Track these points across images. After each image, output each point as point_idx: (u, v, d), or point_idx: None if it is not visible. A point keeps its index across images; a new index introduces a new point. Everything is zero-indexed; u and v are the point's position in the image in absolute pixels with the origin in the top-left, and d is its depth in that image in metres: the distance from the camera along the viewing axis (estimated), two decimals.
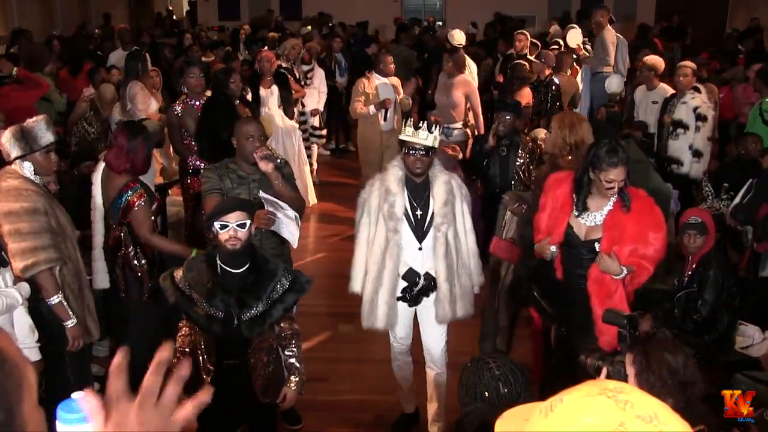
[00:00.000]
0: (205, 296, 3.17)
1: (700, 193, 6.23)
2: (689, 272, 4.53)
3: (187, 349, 3.29)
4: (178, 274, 3.27)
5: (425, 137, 3.78)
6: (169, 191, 6.71)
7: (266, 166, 3.90)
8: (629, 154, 3.63)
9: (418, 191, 3.93)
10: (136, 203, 4.07)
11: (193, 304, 3.20)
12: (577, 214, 3.65)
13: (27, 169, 3.65)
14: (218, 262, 3.21)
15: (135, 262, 4.21)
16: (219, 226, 3.14)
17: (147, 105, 6.73)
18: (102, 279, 4.42)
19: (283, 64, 8.33)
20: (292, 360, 3.36)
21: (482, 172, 5.46)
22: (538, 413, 1.10)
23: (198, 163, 5.70)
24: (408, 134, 3.81)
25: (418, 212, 3.93)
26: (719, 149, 7.84)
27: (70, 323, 3.72)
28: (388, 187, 3.89)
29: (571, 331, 3.78)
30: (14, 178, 3.58)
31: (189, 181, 5.80)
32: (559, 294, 3.73)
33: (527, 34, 9.27)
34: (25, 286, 3.55)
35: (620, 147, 3.55)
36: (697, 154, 6.40)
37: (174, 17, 19.61)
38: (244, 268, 3.21)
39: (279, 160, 4.06)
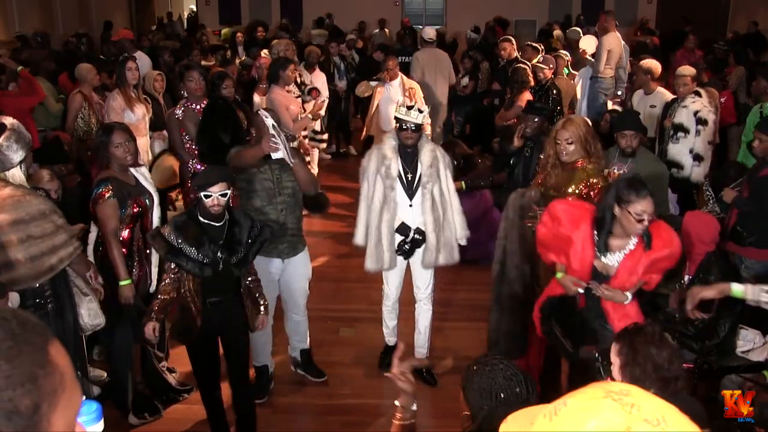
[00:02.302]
0: (195, 246, 3.72)
1: (701, 196, 6.23)
2: (690, 276, 4.53)
3: (168, 297, 3.84)
4: (165, 230, 3.80)
5: (416, 117, 4.60)
6: (177, 197, 6.69)
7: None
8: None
9: (409, 158, 4.73)
10: (102, 198, 4.09)
11: (183, 255, 3.73)
12: (599, 255, 3.57)
13: (19, 172, 3.63)
14: (200, 218, 3.78)
15: (110, 263, 4.22)
16: (204, 195, 3.71)
17: (120, 117, 6.46)
18: None
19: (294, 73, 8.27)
20: (258, 295, 4.12)
21: (508, 172, 5.73)
22: (542, 417, 1.08)
23: (198, 166, 5.70)
24: (402, 114, 4.61)
25: (409, 175, 4.73)
26: (719, 153, 7.84)
27: (100, 283, 4.08)
28: (384, 154, 4.71)
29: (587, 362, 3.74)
30: (2, 187, 3.52)
31: (190, 184, 5.79)
32: (580, 332, 3.70)
33: (512, 40, 9.26)
34: (15, 296, 3.53)
35: (641, 179, 3.43)
36: (697, 158, 6.40)
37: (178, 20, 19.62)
38: (223, 221, 3.83)
39: (291, 139, 4.61)
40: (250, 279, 4.09)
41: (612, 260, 3.58)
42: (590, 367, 3.35)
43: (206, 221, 3.79)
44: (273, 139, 4.37)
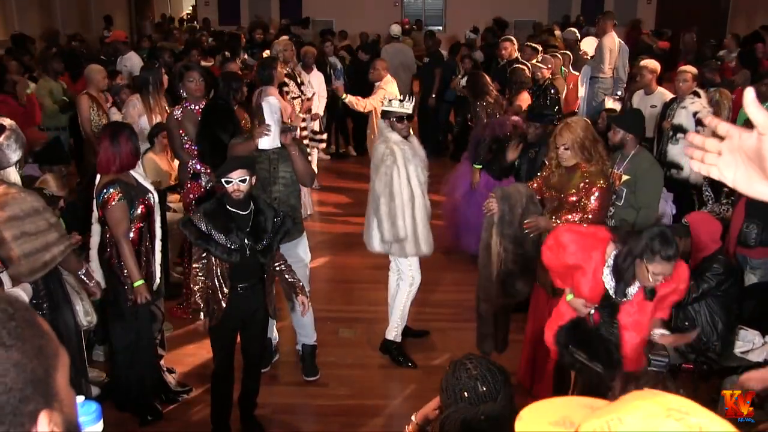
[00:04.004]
0: (223, 233, 3.93)
1: (701, 197, 6.23)
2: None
3: (204, 286, 4.02)
4: (196, 218, 3.99)
5: (408, 108, 4.98)
6: (175, 196, 6.68)
7: (285, 138, 4.66)
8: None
9: None
10: (112, 200, 4.10)
11: (213, 241, 3.93)
12: (613, 296, 3.49)
13: (14, 171, 3.67)
14: (227, 207, 3.99)
15: (117, 265, 4.23)
16: (224, 181, 3.94)
17: (135, 124, 6.31)
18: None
19: (284, 70, 8.27)
20: (292, 277, 4.31)
21: (513, 174, 6.00)
22: None
23: (198, 167, 5.69)
24: (395, 106, 4.95)
25: None
26: None
27: (92, 283, 4.09)
28: (409, 146, 4.97)
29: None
30: None
31: (189, 185, 5.78)
32: (603, 350, 3.59)
33: (513, 40, 9.31)
34: (28, 287, 3.57)
35: (674, 237, 3.31)
36: None
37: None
38: (249, 210, 4.04)
39: (293, 129, 4.84)
40: (280, 264, 4.29)
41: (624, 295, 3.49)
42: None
43: (233, 209, 4.01)
44: (267, 127, 4.66)
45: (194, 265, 4.08)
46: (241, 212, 4.02)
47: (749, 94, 1.16)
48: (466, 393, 2.43)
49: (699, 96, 6.57)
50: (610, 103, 8.33)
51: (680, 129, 6.43)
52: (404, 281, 5.20)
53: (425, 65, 11.30)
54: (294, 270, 4.39)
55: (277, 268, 4.28)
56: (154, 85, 6.50)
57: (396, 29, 11.72)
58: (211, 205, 4.07)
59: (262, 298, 4.19)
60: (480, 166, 6.74)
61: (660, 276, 3.26)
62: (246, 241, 4.00)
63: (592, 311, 3.60)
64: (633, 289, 3.45)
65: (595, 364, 3.55)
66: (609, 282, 3.46)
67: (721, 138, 1.22)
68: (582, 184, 4.41)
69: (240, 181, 3.94)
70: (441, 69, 10.94)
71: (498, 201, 4.54)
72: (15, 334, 0.99)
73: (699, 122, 6.36)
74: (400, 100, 5.03)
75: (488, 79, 7.62)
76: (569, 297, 3.66)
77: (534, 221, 4.47)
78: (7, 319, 0.99)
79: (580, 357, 3.57)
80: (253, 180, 4.05)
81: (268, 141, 4.69)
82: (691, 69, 6.78)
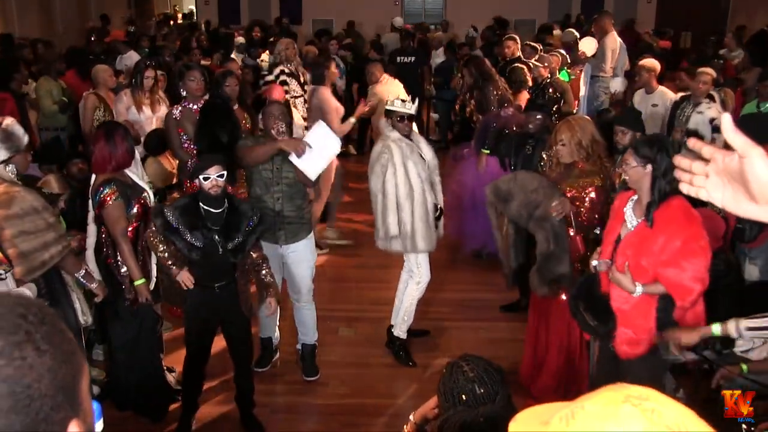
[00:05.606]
0: (188, 228, 3.94)
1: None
2: None
3: (164, 246, 4.04)
4: (168, 209, 4.00)
5: (411, 109, 5.00)
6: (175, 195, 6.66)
7: (287, 146, 4.69)
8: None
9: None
10: (109, 200, 4.09)
11: (178, 235, 3.95)
12: (626, 217, 3.51)
13: (10, 171, 3.66)
14: (201, 204, 3.99)
15: (115, 264, 4.22)
16: (203, 178, 3.95)
17: (125, 117, 6.45)
18: None
19: (286, 69, 8.25)
20: (268, 278, 4.27)
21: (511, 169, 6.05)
22: (558, 420, 1.04)
23: None
24: (398, 106, 4.98)
25: None
26: None
27: (94, 285, 4.10)
28: (408, 144, 4.99)
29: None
30: None
31: (188, 184, 5.77)
32: (602, 307, 3.60)
33: (516, 38, 9.30)
34: (33, 287, 3.57)
35: (657, 138, 3.65)
36: None
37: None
38: (222, 208, 4.03)
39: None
40: (259, 264, 4.26)
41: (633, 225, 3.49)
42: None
43: (206, 207, 4.00)
44: (307, 145, 4.66)
45: (148, 235, 4.09)
46: (213, 210, 4.02)
47: (726, 120, 1.19)
48: (464, 396, 2.43)
49: (714, 99, 6.53)
50: (618, 82, 8.33)
51: (696, 135, 6.40)
52: (412, 279, 5.21)
53: (409, 65, 10.98)
54: (298, 272, 4.36)
55: (255, 268, 4.27)
56: (137, 83, 6.61)
57: (399, 21, 12.05)
58: (184, 200, 4.11)
59: (237, 297, 4.18)
60: (488, 151, 6.65)
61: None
62: (216, 238, 3.99)
63: (595, 263, 3.63)
64: (635, 221, 3.48)
65: (587, 314, 3.61)
66: (629, 212, 3.51)
67: (708, 160, 1.26)
68: (578, 182, 4.41)
69: (218, 176, 3.96)
70: (429, 67, 11.06)
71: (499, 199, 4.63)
72: (47, 339, 0.97)
73: (715, 129, 6.30)
74: (402, 101, 5.05)
75: (489, 63, 7.55)
76: (594, 261, 3.69)
77: (559, 204, 4.37)
78: (38, 323, 0.98)
79: (579, 306, 3.67)
80: (227, 177, 4.08)
81: (302, 163, 4.66)
82: (710, 71, 6.71)
